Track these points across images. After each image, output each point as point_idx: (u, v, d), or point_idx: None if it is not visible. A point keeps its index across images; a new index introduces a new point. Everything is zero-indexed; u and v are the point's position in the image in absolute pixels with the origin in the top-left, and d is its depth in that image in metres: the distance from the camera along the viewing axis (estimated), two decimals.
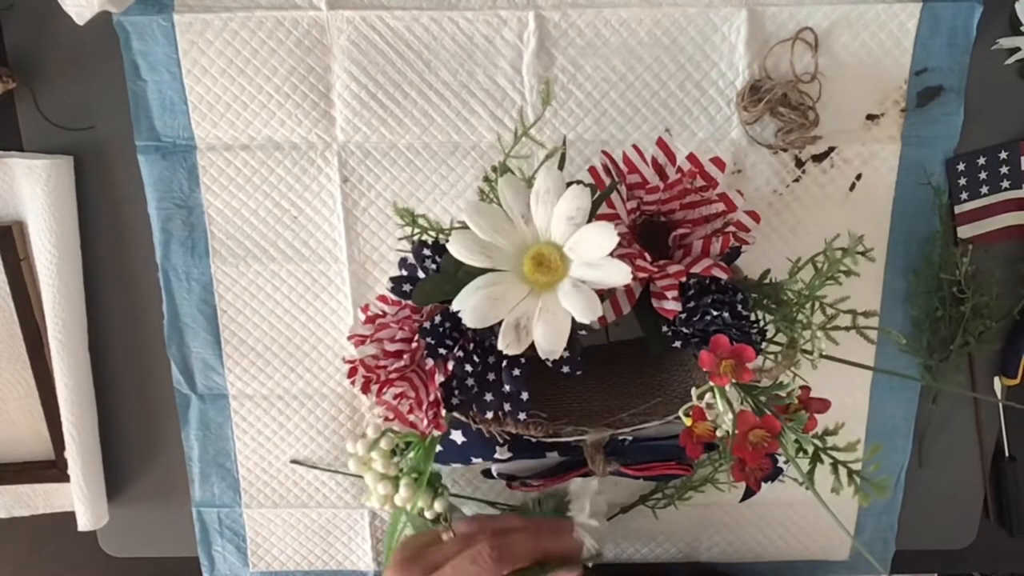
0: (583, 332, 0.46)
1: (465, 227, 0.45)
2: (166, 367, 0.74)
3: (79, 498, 0.74)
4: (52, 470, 0.76)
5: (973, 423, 0.75)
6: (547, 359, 0.45)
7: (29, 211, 0.68)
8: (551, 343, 0.44)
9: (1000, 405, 0.73)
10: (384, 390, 0.52)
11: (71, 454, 0.73)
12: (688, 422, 0.48)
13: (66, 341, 0.70)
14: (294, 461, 0.75)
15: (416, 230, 0.59)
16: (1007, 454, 0.75)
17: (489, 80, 0.66)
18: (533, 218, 0.45)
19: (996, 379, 0.73)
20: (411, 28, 0.64)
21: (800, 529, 0.79)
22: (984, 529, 0.78)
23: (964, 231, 0.68)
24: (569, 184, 0.45)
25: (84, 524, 0.76)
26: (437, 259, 0.51)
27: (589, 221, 0.44)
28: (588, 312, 0.43)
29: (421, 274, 0.52)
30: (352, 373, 0.54)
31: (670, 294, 0.48)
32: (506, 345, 0.44)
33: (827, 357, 0.52)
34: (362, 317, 0.56)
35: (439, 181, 0.68)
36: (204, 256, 0.71)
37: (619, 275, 0.43)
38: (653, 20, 0.64)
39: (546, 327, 0.44)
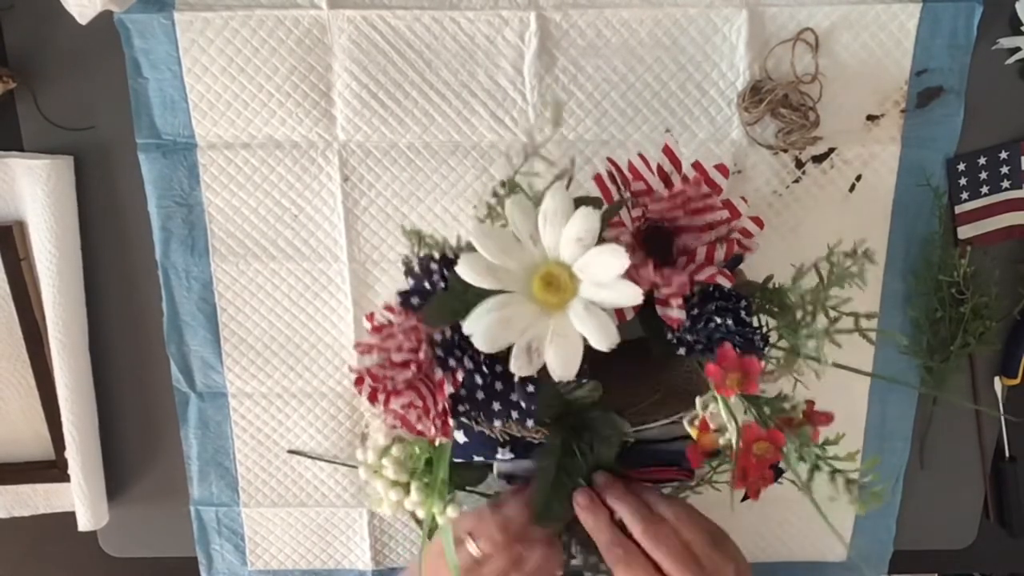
0: None
1: (472, 248, 0.45)
2: (166, 366, 0.74)
3: (79, 498, 0.74)
4: (52, 470, 0.76)
5: (974, 424, 0.75)
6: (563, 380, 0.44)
7: (29, 211, 0.68)
8: (564, 367, 0.43)
9: (1000, 405, 0.73)
10: (391, 400, 0.52)
11: (71, 454, 0.73)
12: (694, 433, 0.48)
13: (66, 341, 0.70)
14: (292, 451, 0.75)
15: (422, 250, 0.59)
16: (1007, 455, 0.75)
17: (490, 80, 0.66)
18: (542, 239, 0.45)
19: (996, 379, 0.73)
20: (412, 28, 0.64)
21: (798, 530, 0.79)
22: (984, 529, 0.78)
23: (964, 231, 0.68)
24: (576, 201, 0.44)
25: (84, 524, 0.76)
26: (445, 273, 0.51)
27: (599, 241, 0.44)
28: (604, 338, 0.42)
29: (428, 286, 0.52)
30: (359, 383, 0.53)
31: (675, 302, 0.48)
32: (518, 368, 0.43)
33: (831, 364, 0.52)
34: (368, 326, 0.56)
35: (439, 181, 0.68)
36: (204, 254, 0.70)
37: (630, 296, 0.43)
38: (654, 20, 0.64)
39: (559, 350, 0.43)
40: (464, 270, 0.44)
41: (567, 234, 0.44)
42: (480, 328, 0.43)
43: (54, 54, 0.66)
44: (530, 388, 0.47)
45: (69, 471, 0.74)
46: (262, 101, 0.66)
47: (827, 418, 0.49)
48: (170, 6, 0.64)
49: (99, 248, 0.71)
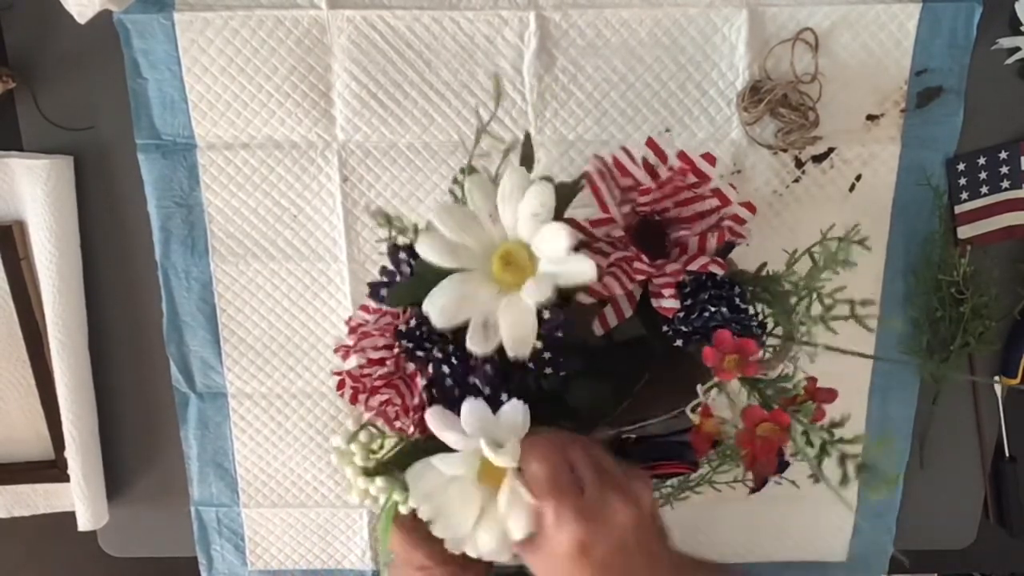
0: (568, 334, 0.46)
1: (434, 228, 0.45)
2: (166, 366, 0.74)
3: (79, 498, 0.74)
4: (52, 470, 0.76)
5: (973, 424, 0.75)
6: (518, 358, 0.44)
7: (29, 211, 0.68)
8: (517, 344, 0.44)
9: (1000, 406, 0.73)
10: (371, 399, 0.52)
11: (71, 454, 0.73)
12: (696, 419, 0.48)
13: (66, 341, 0.70)
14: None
15: (393, 233, 0.59)
16: (1007, 454, 0.75)
17: (490, 80, 0.66)
18: (500, 217, 0.45)
19: (996, 379, 0.73)
20: (412, 28, 0.64)
21: (798, 530, 0.79)
22: (984, 529, 0.78)
23: (964, 231, 0.68)
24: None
25: (84, 524, 0.76)
26: (412, 261, 0.51)
27: (559, 216, 0.44)
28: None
29: (397, 277, 0.52)
30: (340, 385, 0.54)
31: (667, 292, 0.48)
32: (474, 345, 0.44)
33: (827, 347, 0.52)
34: (345, 329, 0.56)
35: (439, 181, 0.68)
36: (204, 255, 0.70)
37: (584, 270, 0.43)
38: (654, 20, 0.64)
39: (513, 328, 0.44)
40: (424, 248, 0.44)
41: (523, 210, 0.44)
42: (437, 306, 0.44)
43: (54, 54, 0.66)
44: (488, 369, 0.47)
45: (69, 471, 0.74)
46: (262, 101, 0.66)
47: (831, 394, 0.48)
48: (170, 6, 0.64)
49: (99, 248, 0.71)
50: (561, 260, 0.43)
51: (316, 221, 0.70)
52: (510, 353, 0.44)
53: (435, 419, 0.44)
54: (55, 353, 0.71)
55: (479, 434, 0.43)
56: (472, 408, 0.44)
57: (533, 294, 0.43)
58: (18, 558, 0.83)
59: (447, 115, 0.66)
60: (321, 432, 0.76)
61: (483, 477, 0.44)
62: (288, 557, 0.80)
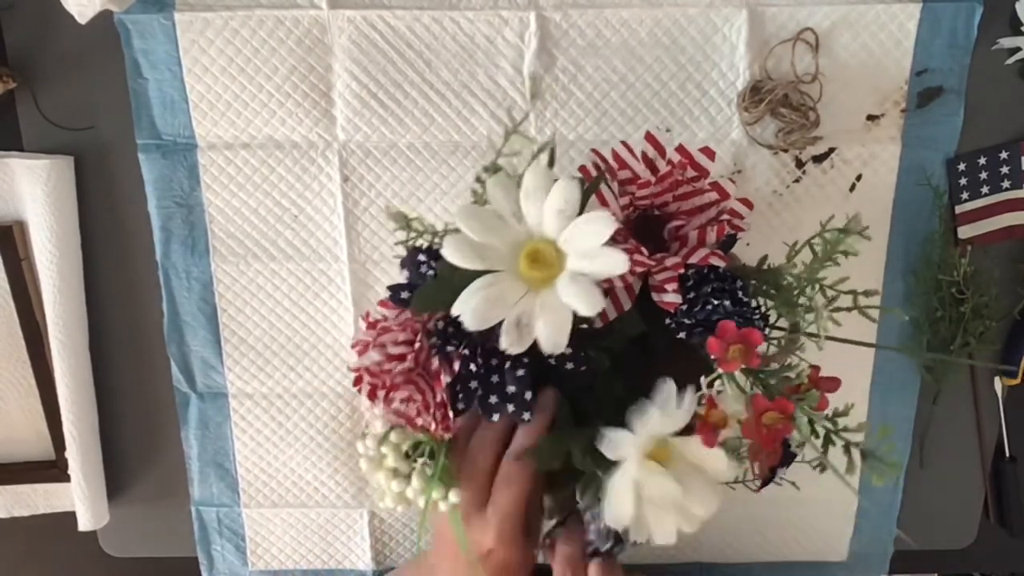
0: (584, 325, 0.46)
1: (458, 230, 0.45)
2: (166, 366, 0.74)
3: (79, 498, 0.74)
4: (52, 470, 0.76)
5: (973, 423, 0.75)
6: (550, 358, 0.45)
7: (29, 211, 0.68)
8: (553, 338, 0.44)
9: (1000, 406, 0.73)
10: (390, 395, 0.52)
11: (71, 454, 0.73)
12: (701, 411, 0.48)
13: (66, 341, 0.70)
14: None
15: (411, 234, 0.59)
16: (1007, 454, 0.75)
17: (490, 80, 0.66)
18: (525, 216, 0.45)
19: (996, 379, 0.73)
20: (412, 28, 0.64)
21: (799, 530, 0.79)
22: (984, 529, 0.78)
23: (965, 231, 0.68)
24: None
25: (84, 524, 0.76)
26: (433, 264, 0.51)
27: (580, 213, 0.44)
28: (589, 304, 0.42)
29: (417, 279, 0.52)
30: (358, 381, 0.53)
31: (669, 287, 0.48)
32: (509, 344, 0.44)
33: (830, 338, 0.52)
34: (363, 325, 0.56)
35: (439, 181, 0.68)
36: (204, 255, 0.71)
37: (616, 264, 0.42)
38: (654, 20, 0.64)
39: (547, 323, 0.44)
40: (450, 251, 0.44)
41: (548, 207, 0.44)
42: (469, 308, 0.43)
43: (54, 54, 0.66)
44: (520, 372, 0.47)
45: (69, 471, 0.74)
46: (262, 101, 0.66)
47: (834, 383, 0.48)
48: (170, 6, 0.64)
49: (99, 248, 0.71)
50: (593, 254, 0.43)
51: (317, 221, 0.70)
52: (546, 350, 0.44)
53: (609, 447, 0.45)
54: (55, 353, 0.71)
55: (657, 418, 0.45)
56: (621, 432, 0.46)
57: (569, 290, 0.43)
58: (18, 558, 0.83)
59: (447, 115, 0.66)
60: (322, 432, 0.76)
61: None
62: (289, 557, 0.80)
